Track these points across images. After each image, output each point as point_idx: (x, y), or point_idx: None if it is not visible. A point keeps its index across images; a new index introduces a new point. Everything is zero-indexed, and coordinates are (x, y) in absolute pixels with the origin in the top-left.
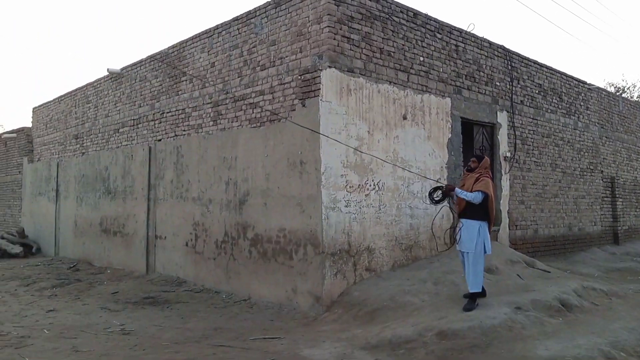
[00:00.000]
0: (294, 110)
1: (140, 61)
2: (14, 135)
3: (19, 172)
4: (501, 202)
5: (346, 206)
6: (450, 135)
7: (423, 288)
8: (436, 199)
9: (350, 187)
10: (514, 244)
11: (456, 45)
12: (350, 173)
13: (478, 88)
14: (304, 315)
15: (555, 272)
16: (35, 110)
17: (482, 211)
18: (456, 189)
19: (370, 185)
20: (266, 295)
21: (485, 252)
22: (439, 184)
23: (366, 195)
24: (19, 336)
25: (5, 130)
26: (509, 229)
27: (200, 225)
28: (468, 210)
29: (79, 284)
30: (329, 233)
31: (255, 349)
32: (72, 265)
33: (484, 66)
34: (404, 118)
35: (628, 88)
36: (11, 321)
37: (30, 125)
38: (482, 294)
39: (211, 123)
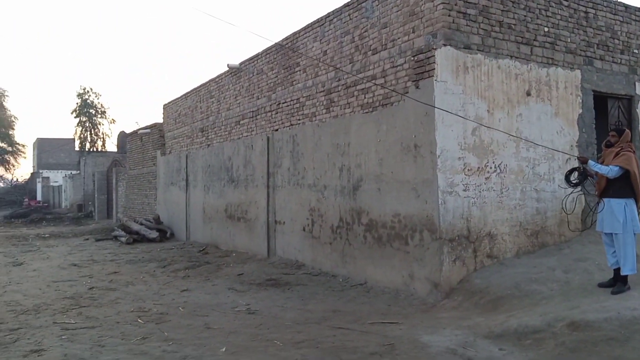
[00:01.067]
0: (407, 92)
1: (257, 55)
2: (148, 130)
3: (154, 164)
4: None
5: (464, 190)
6: (580, 111)
7: (552, 276)
8: (574, 181)
9: (468, 170)
10: None
11: (586, 12)
12: (468, 155)
13: (612, 57)
14: (421, 302)
15: None
16: (166, 106)
17: (628, 188)
18: (589, 160)
19: (490, 168)
20: (382, 280)
21: (635, 231)
22: (574, 166)
23: (486, 179)
24: (159, 313)
25: (140, 127)
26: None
27: (316, 211)
28: (610, 189)
29: (208, 266)
30: (447, 218)
31: (374, 332)
32: (201, 249)
33: (619, 32)
34: (528, 94)
35: None
36: (152, 299)
37: (161, 121)
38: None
39: (324, 111)
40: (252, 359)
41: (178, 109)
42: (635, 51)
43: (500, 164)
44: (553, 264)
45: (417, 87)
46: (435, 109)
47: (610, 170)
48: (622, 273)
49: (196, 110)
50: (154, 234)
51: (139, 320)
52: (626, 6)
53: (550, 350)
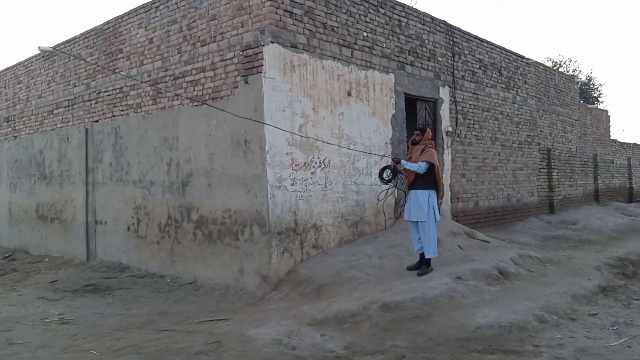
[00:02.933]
0: (237, 87)
1: (74, 38)
2: None
3: None
4: (443, 175)
5: (292, 184)
6: (394, 111)
7: (368, 262)
8: (386, 178)
9: (296, 165)
10: (456, 216)
11: (399, 21)
12: (295, 151)
13: (421, 64)
14: (251, 296)
15: (495, 242)
16: None
17: (431, 181)
18: (402, 161)
19: (316, 163)
20: (212, 278)
21: (435, 219)
22: (386, 164)
23: (312, 173)
24: None
25: None
26: (451, 201)
27: (142, 209)
28: (417, 182)
29: (15, 274)
30: (275, 212)
31: (201, 331)
32: (7, 255)
33: (427, 41)
34: (349, 94)
35: (564, 62)
36: None
37: None
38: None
39: (150, 102)
40: None
41: None
42: (440, 59)
43: (324, 159)
44: (370, 251)
45: (247, 83)
46: (264, 105)
47: (419, 166)
48: (426, 256)
49: (0, 97)
50: None
51: None
52: (433, 18)
53: (365, 331)
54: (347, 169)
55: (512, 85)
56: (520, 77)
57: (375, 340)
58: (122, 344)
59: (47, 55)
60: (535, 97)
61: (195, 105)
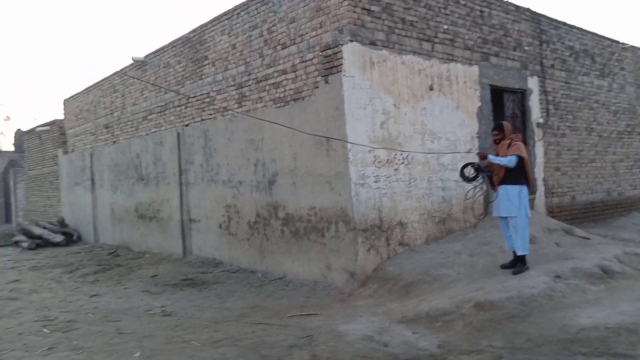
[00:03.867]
0: (317, 87)
1: (163, 48)
2: (48, 128)
3: (55, 163)
4: (536, 169)
5: (375, 182)
6: (479, 104)
7: (458, 260)
8: (468, 176)
9: (378, 162)
10: (551, 212)
11: (481, 11)
12: (378, 148)
13: (506, 54)
14: (339, 292)
15: (595, 239)
16: (66, 102)
17: (521, 175)
18: (489, 155)
19: (399, 160)
20: (300, 273)
21: (526, 215)
22: (468, 162)
23: (395, 170)
24: (66, 321)
25: (39, 124)
26: (545, 196)
27: (232, 207)
28: (507, 177)
29: (120, 269)
30: (359, 209)
31: (293, 325)
32: (111, 251)
33: (511, 31)
34: (431, 89)
35: None
36: (58, 307)
37: (62, 117)
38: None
39: (236, 105)
40: None
41: (80, 105)
42: (526, 48)
43: (407, 155)
44: (459, 248)
45: (327, 82)
46: (345, 103)
47: (509, 160)
48: (519, 253)
49: (99, 106)
50: (58, 238)
51: (45, 330)
52: (517, 6)
53: (459, 330)
54: (432, 165)
55: (607, 72)
56: (616, 64)
57: (470, 340)
58: (220, 336)
59: (139, 65)
60: (634, 83)
61: (278, 107)
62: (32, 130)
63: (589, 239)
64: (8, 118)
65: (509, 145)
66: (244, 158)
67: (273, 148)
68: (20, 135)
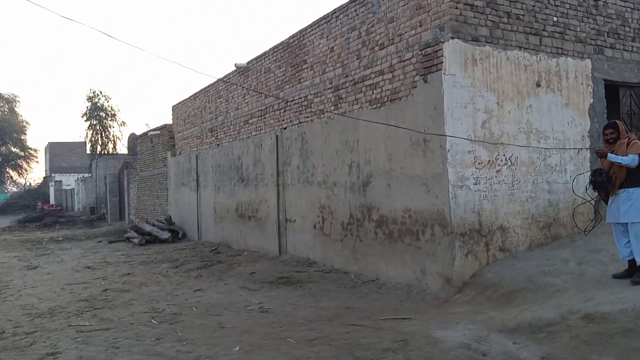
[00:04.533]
0: (415, 87)
1: (264, 53)
2: (158, 132)
3: (164, 165)
4: None
5: (475, 184)
6: (592, 101)
7: (565, 268)
8: (600, 180)
9: (479, 163)
10: None
11: (595, 0)
12: (478, 149)
13: (623, 45)
14: (434, 297)
15: None
16: (175, 108)
17: None
18: (609, 154)
19: (501, 161)
20: (394, 276)
21: None
22: (596, 169)
23: (497, 172)
24: (172, 313)
25: (150, 129)
26: None
27: (326, 208)
28: (629, 179)
29: (221, 266)
30: (458, 212)
31: (387, 328)
32: (213, 249)
33: (630, 20)
34: (538, 85)
35: None
36: (165, 300)
37: (171, 122)
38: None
39: (332, 107)
40: (265, 358)
41: (187, 110)
42: None
43: (511, 156)
44: (566, 256)
45: (426, 81)
46: (444, 102)
47: (632, 160)
48: (639, 262)
49: (205, 111)
50: (166, 235)
51: (153, 321)
52: None
53: (565, 343)
54: (537, 166)
55: None
56: None
57: (577, 354)
58: (315, 335)
59: (242, 71)
60: None
61: (374, 108)
62: (144, 134)
63: None
64: (124, 123)
65: (628, 144)
66: (339, 159)
67: (368, 149)
68: (133, 139)
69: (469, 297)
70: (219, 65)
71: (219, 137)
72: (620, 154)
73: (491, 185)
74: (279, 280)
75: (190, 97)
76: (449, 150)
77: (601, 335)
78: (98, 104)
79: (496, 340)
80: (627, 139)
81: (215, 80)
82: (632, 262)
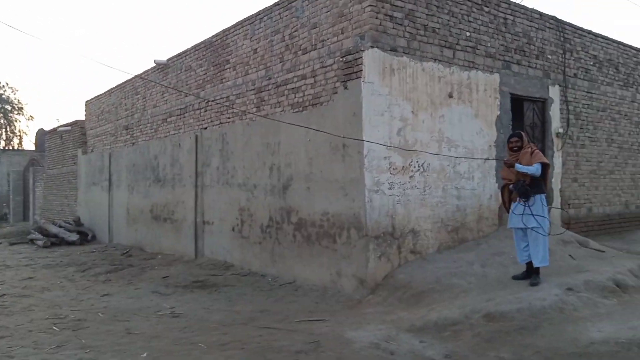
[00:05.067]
0: (336, 93)
1: (185, 51)
2: (69, 128)
3: (74, 163)
4: (553, 180)
5: (390, 189)
6: (499, 113)
7: (470, 270)
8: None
9: (394, 169)
10: (567, 224)
11: (505, 18)
12: (393, 155)
13: (528, 62)
14: (348, 298)
15: (610, 252)
16: (88, 103)
17: (542, 184)
18: (516, 164)
19: (414, 167)
20: (311, 279)
21: (547, 225)
22: (518, 180)
23: (410, 177)
24: (76, 319)
25: (60, 124)
26: (562, 208)
27: (245, 211)
28: (530, 187)
29: (132, 269)
30: (373, 216)
31: (301, 330)
32: (125, 252)
33: (535, 39)
34: (450, 96)
35: None
36: (69, 305)
37: (83, 118)
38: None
39: (254, 109)
40: None
41: (101, 106)
42: (549, 56)
43: (423, 163)
44: (472, 258)
45: (346, 88)
46: (363, 109)
47: (537, 169)
48: (539, 264)
49: (120, 107)
50: (73, 237)
51: (54, 328)
52: (541, 14)
53: (467, 341)
54: (448, 173)
55: (631, 82)
56: None
57: (477, 351)
58: (228, 339)
59: (161, 68)
60: None
61: (296, 112)
62: (53, 130)
63: (603, 251)
64: (32, 118)
65: (531, 153)
66: (260, 162)
67: (289, 152)
68: (41, 135)
69: (381, 298)
70: (137, 61)
71: (134, 135)
72: (524, 163)
73: (404, 190)
74: (194, 284)
75: (105, 92)
76: (366, 156)
77: (499, 332)
78: (3, 97)
79: (404, 340)
80: (530, 148)
81: (132, 76)
82: (530, 264)
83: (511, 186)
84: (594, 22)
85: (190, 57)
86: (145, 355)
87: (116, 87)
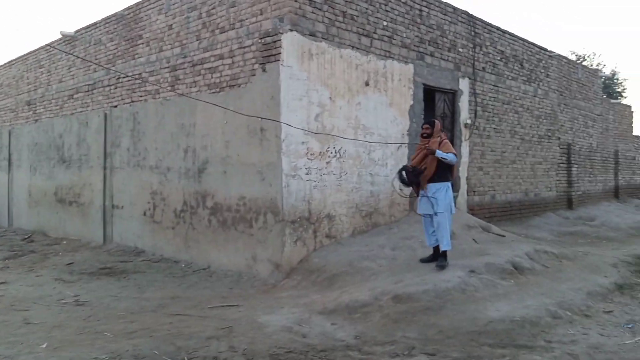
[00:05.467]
0: (254, 75)
1: (95, 23)
2: None
3: None
4: (460, 168)
5: (307, 174)
6: (412, 102)
7: (381, 253)
8: (406, 180)
9: (311, 154)
10: (472, 210)
11: (420, 10)
12: (311, 140)
13: (441, 54)
14: (263, 283)
15: (510, 236)
16: None
17: (449, 173)
18: (437, 151)
19: (331, 153)
20: (226, 264)
21: (451, 212)
22: (403, 166)
23: (327, 163)
24: None
25: None
26: (467, 194)
27: (158, 194)
28: (436, 175)
29: (33, 256)
30: (289, 201)
31: (213, 316)
32: (26, 237)
33: (448, 32)
34: (367, 84)
35: (588, 56)
36: None
37: None
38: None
39: (169, 88)
40: (76, 354)
41: (0, 79)
42: (460, 50)
43: (340, 149)
44: (383, 242)
45: (264, 71)
46: (281, 93)
47: (453, 157)
48: (442, 249)
49: (22, 81)
50: None
51: None
52: (455, 8)
53: (376, 322)
54: (363, 160)
55: (533, 78)
56: (542, 70)
57: (385, 331)
58: (135, 327)
59: (68, 40)
60: (557, 90)
61: (213, 93)
62: None
63: (504, 236)
64: None
65: (440, 142)
66: (174, 144)
67: (205, 134)
68: None
69: (295, 282)
70: (41, 33)
71: (37, 111)
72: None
73: (321, 175)
74: (101, 270)
75: (5, 64)
76: (283, 140)
77: (406, 313)
78: None
79: (316, 322)
80: (440, 137)
81: (37, 47)
82: (436, 248)
83: (402, 172)
84: (502, 18)
85: (101, 30)
86: (44, 345)
87: (18, 58)
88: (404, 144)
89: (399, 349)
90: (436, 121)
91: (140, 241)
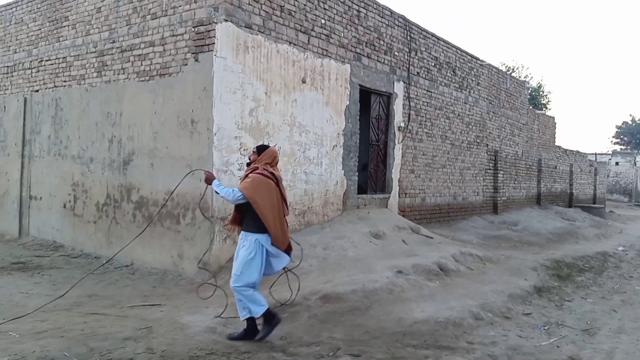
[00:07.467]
0: (186, 64)
1: (17, 1)
2: None
3: None
4: (393, 170)
5: (239, 169)
6: (348, 103)
7: (313, 253)
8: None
9: (244, 150)
10: (402, 211)
11: (358, 11)
12: (244, 135)
13: (377, 57)
14: (189, 282)
15: (438, 238)
16: None
17: (257, 219)
18: (213, 182)
19: None
20: (150, 261)
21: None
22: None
23: None
24: None
25: None
26: (399, 196)
27: (80, 186)
28: (244, 221)
29: None
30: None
31: (132, 316)
32: None
33: (384, 35)
34: (303, 82)
35: (517, 68)
36: None
37: None
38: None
39: (95, 74)
40: None
41: None
42: (396, 53)
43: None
44: (315, 241)
45: (197, 60)
46: (214, 85)
47: (228, 193)
48: (242, 318)
49: None
50: None
51: None
52: (392, 11)
53: (303, 322)
54: (298, 158)
55: (465, 85)
56: (473, 78)
57: (312, 332)
58: (46, 327)
59: None
60: (487, 99)
61: (142, 81)
62: None
63: (432, 238)
64: None
65: (247, 176)
66: (99, 133)
67: (132, 124)
68: None
69: (223, 281)
70: None
71: None
72: (242, 182)
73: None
74: (13, 265)
75: None
76: (215, 134)
77: (334, 313)
78: None
79: (242, 323)
80: (252, 170)
81: None
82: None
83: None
84: (438, 25)
85: (23, 9)
86: None
87: None
88: (339, 144)
89: (324, 350)
90: (270, 148)
91: (59, 235)
